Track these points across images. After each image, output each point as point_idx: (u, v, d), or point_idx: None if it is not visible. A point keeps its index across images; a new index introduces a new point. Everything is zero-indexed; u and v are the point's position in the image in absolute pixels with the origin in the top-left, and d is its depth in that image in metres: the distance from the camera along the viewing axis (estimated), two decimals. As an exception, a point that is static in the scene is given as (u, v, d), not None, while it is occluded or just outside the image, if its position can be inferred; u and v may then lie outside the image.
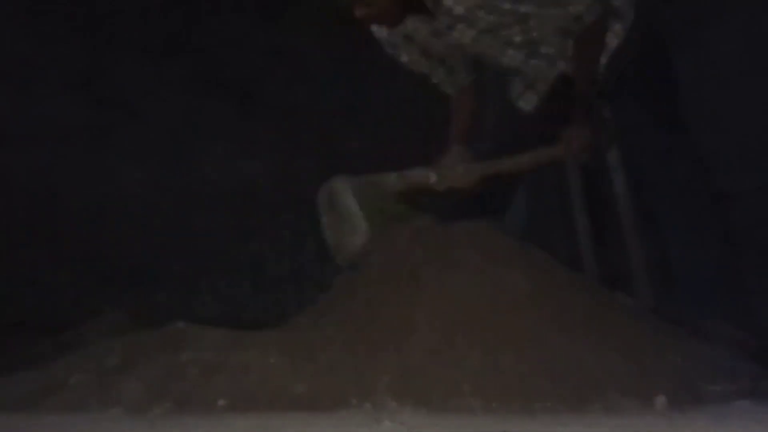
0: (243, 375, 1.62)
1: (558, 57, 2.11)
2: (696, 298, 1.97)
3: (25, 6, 3.16)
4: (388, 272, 1.84)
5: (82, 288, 3.10)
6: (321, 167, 3.46)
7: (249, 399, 1.57)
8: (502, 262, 1.83)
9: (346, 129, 3.56)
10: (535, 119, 2.24)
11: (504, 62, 2.13)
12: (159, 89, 3.36)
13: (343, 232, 2.05)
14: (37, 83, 3.20)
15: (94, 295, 3.11)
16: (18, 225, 3.06)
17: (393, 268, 1.85)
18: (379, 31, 2.20)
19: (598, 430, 1.32)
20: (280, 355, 1.64)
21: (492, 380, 1.55)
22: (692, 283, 1.99)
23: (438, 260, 1.82)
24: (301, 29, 3.52)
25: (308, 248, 3.40)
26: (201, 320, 3.31)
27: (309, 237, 3.38)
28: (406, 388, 1.53)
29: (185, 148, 3.41)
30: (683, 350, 1.76)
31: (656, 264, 2.31)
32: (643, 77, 2.08)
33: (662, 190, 2.04)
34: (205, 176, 3.42)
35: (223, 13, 3.47)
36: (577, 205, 2.76)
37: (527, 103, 2.23)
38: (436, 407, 1.49)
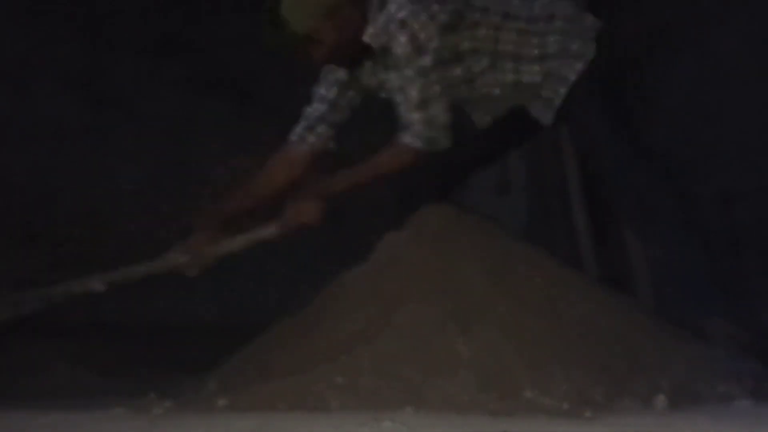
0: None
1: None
2: (697, 299, 1.97)
3: (24, 6, 3.16)
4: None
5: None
6: (320, 167, 3.48)
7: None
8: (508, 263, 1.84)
9: (346, 129, 3.55)
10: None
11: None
12: (158, 89, 3.36)
13: None
14: (36, 83, 3.20)
15: (94, 296, 3.10)
16: (18, 225, 3.06)
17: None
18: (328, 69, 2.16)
19: (599, 430, 1.32)
20: None
21: (492, 379, 1.55)
22: (693, 283, 1.98)
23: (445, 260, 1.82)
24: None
25: (308, 248, 3.40)
26: (201, 320, 3.33)
27: (309, 237, 3.37)
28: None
29: (184, 148, 3.40)
30: (683, 350, 1.76)
31: (656, 264, 2.31)
32: (635, 81, 2.08)
33: (662, 190, 2.03)
34: (204, 175, 3.42)
35: (223, 13, 3.47)
36: (577, 205, 2.76)
37: (480, 120, 2.20)
38: (437, 407, 1.49)
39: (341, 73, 2.13)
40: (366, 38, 1.96)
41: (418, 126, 1.93)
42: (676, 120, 2.44)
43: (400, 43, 1.90)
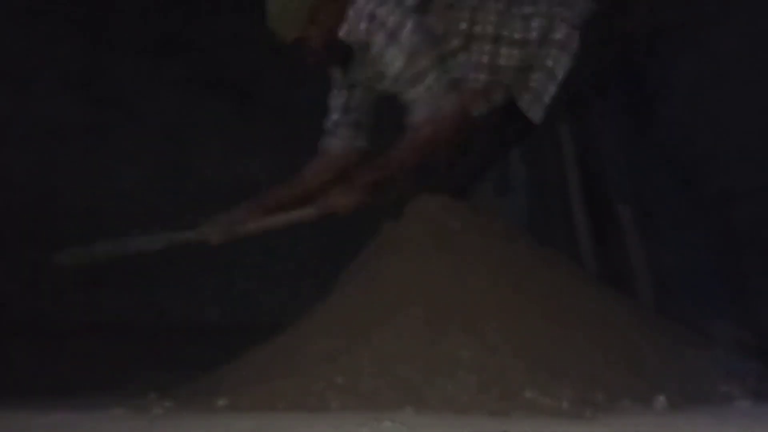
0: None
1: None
2: (698, 299, 1.97)
3: (24, 6, 3.16)
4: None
5: (82, 288, 3.10)
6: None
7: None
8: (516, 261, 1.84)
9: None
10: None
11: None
12: (158, 89, 3.36)
13: None
14: (36, 83, 3.20)
15: (94, 295, 3.11)
16: (18, 225, 3.06)
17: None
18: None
19: (599, 430, 1.32)
20: None
21: (492, 379, 1.55)
22: (694, 283, 1.98)
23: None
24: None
25: (307, 247, 3.40)
26: (200, 320, 3.33)
27: (308, 236, 3.38)
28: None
29: (184, 148, 3.40)
30: (684, 350, 1.76)
31: (657, 264, 2.30)
32: (636, 81, 2.07)
33: (662, 190, 2.03)
34: (205, 176, 3.42)
35: (223, 13, 3.47)
36: (577, 205, 2.76)
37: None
38: (437, 407, 1.49)
39: (338, 75, 2.15)
40: (342, 35, 1.99)
41: (420, 102, 1.95)
42: (677, 120, 2.43)
43: (373, 36, 1.93)
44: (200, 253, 3.31)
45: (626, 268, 2.57)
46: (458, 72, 2.03)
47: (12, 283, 2.95)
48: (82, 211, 3.20)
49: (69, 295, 3.07)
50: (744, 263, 2.22)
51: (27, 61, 3.18)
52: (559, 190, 2.85)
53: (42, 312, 3.01)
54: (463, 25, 2.00)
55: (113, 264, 2.24)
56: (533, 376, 1.55)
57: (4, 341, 2.55)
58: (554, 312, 1.72)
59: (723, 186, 2.31)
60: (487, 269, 1.79)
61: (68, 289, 3.08)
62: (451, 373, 1.56)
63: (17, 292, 2.96)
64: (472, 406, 1.49)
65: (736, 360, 1.76)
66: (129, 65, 3.34)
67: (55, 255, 2.20)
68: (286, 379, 1.62)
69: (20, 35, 3.16)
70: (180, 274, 3.27)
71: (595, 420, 1.42)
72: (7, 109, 3.11)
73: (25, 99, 3.16)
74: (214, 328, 3.16)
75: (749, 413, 1.54)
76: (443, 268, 1.80)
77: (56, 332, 2.82)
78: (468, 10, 2.00)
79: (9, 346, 2.54)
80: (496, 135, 2.22)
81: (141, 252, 2.19)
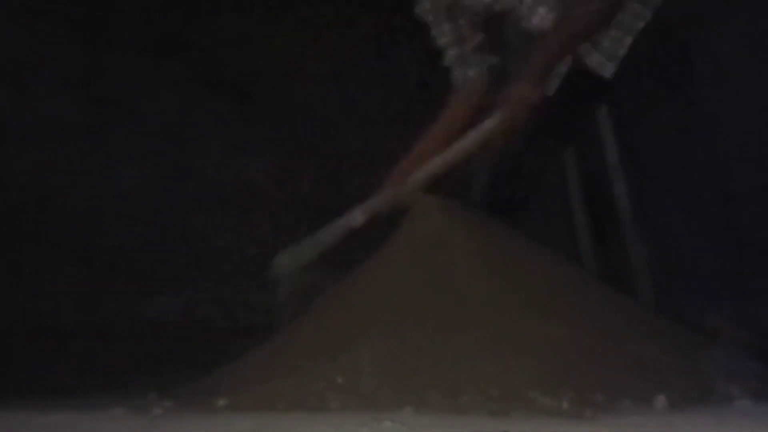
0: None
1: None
2: (699, 298, 1.96)
3: (24, 6, 3.16)
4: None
5: (82, 288, 3.10)
6: (321, 167, 3.48)
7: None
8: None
9: (346, 129, 3.56)
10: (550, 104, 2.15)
11: (533, 25, 1.98)
12: (158, 89, 3.36)
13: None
14: (35, 83, 3.20)
15: (94, 295, 3.11)
16: (18, 225, 3.06)
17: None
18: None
19: (599, 430, 1.32)
20: None
21: (492, 379, 1.55)
22: (695, 283, 1.98)
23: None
24: (300, 28, 3.52)
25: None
26: (200, 321, 3.33)
27: (308, 236, 3.38)
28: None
29: (184, 148, 3.40)
30: (684, 350, 1.76)
31: (658, 263, 2.30)
32: (648, 73, 2.05)
33: (665, 189, 2.03)
34: (204, 176, 3.42)
35: (223, 13, 3.47)
36: (577, 204, 2.76)
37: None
38: (437, 407, 1.49)
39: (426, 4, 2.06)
40: None
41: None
42: (677, 119, 2.43)
43: None
44: (199, 254, 3.33)
45: (626, 267, 2.57)
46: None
47: (12, 283, 2.95)
48: (82, 211, 3.20)
49: (69, 295, 3.07)
50: (746, 264, 2.22)
51: (27, 61, 3.18)
52: (559, 190, 2.85)
53: (42, 312, 3.00)
54: None
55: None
56: (533, 376, 1.55)
57: (4, 341, 2.55)
58: (554, 312, 1.72)
59: (725, 186, 2.30)
60: (487, 269, 1.79)
61: (68, 289, 3.08)
62: (451, 373, 1.56)
63: (17, 292, 2.96)
64: (472, 406, 1.48)
65: (736, 360, 1.76)
66: (129, 65, 3.34)
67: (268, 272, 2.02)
68: (286, 379, 1.62)
69: (20, 35, 3.16)
70: (178, 275, 3.27)
71: (595, 420, 1.41)
72: (6, 109, 3.11)
73: (25, 99, 3.16)
74: (214, 329, 3.16)
75: (749, 413, 1.54)
76: (443, 268, 1.80)
77: (56, 332, 2.82)
78: None
79: (9, 346, 2.54)
80: (556, 126, 2.15)
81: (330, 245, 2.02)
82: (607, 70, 2.00)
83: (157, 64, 3.37)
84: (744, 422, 1.43)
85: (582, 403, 1.49)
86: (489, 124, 1.93)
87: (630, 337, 1.73)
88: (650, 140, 2.04)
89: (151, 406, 1.65)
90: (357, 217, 2.01)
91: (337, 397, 1.54)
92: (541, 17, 1.94)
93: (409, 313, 1.70)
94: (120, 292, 3.15)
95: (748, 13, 2.23)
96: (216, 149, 3.46)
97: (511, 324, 1.66)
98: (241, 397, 1.61)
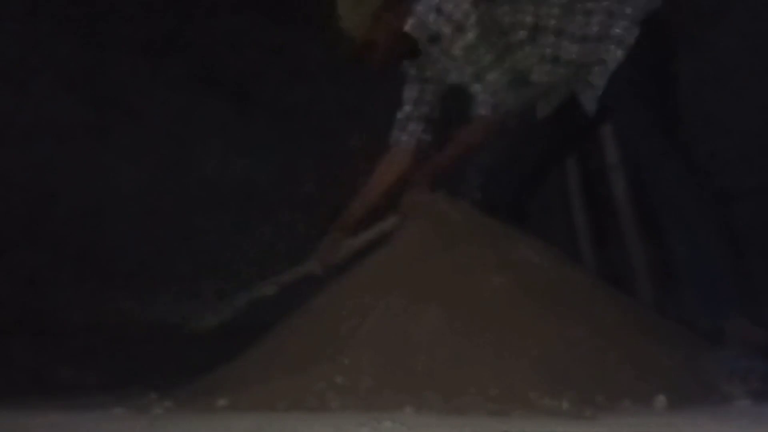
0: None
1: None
2: (704, 299, 1.95)
3: (24, 6, 3.16)
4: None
5: (82, 288, 3.10)
6: (320, 167, 3.48)
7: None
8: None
9: (346, 129, 3.56)
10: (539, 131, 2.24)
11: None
12: (157, 88, 3.36)
13: None
14: (34, 83, 3.20)
15: (94, 296, 3.11)
16: (18, 225, 3.06)
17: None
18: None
19: (599, 430, 1.32)
20: None
21: (492, 379, 1.55)
22: (699, 283, 1.97)
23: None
24: (300, 28, 3.52)
25: (307, 247, 3.40)
26: (199, 321, 3.32)
27: (307, 236, 3.38)
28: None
29: (184, 148, 3.40)
30: (684, 350, 1.76)
31: (660, 263, 2.30)
32: (644, 77, 2.06)
33: (666, 189, 2.02)
34: (204, 175, 3.42)
35: (222, 12, 3.47)
36: (577, 205, 2.76)
37: (541, 110, 2.22)
38: (437, 407, 1.49)
39: (412, 70, 2.20)
40: (407, 29, 2.04)
41: (482, 95, 2.01)
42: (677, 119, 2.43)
43: (441, 28, 1.98)
44: (198, 253, 3.33)
45: (626, 267, 2.57)
46: (524, 64, 2.07)
47: (12, 283, 2.95)
48: (82, 211, 3.20)
49: (69, 295, 3.07)
50: (746, 264, 2.21)
51: (27, 61, 3.18)
52: (559, 190, 2.85)
53: (42, 312, 3.00)
54: (529, 18, 2.04)
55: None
56: (533, 375, 1.55)
57: (4, 341, 2.55)
58: (554, 312, 1.72)
59: (725, 186, 2.31)
60: (487, 269, 1.79)
61: (68, 289, 3.08)
62: (451, 373, 1.57)
63: (17, 292, 2.96)
64: (472, 406, 1.49)
65: (738, 359, 1.76)
66: (129, 65, 3.34)
67: (190, 326, 2.31)
68: (286, 379, 1.62)
69: (20, 35, 3.16)
70: (178, 274, 3.27)
71: (595, 420, 1.42)
72: (6, 109, 3.11)
73: (25, 99, 3.16)
74: (214, 329, 3.16)
75: (749, 413, 1.54)
76: (443, 268, 1.80)
77: (56, 332, 2.82)
78: (533, 4, 2.03)
79: (9, 346, 2.54)
80: (552, 139, 2.25)
81: (260, 299, 2.27)
82: (591, 107, 2.09)
83: (156, 64, 3.36)
84: (744, 422, 1.43)
85: (582, 403, 1.49)
86: (385, 225, 2.12)
87: (630, 337, 1.73)
88: (650, 139, 2.04)
89: (151, 406, 1.65)
90: (268, 288, 2.27)
91: (337, 397, 1.54)
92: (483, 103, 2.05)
93: (410, 313, 1.70)
94: (120, 292, 3.15)
95: (750, 13, 2.24)
96: (216, 149, 3.46)
97: (511, 324, 1.66)
98: (241, 397, 1.61)
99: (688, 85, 2.26)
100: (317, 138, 3.52)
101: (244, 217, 3.43)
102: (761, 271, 2.20)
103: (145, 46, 3.36)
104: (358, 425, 1.32)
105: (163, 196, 3.31)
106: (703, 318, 1.91)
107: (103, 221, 3.23)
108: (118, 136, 3.30)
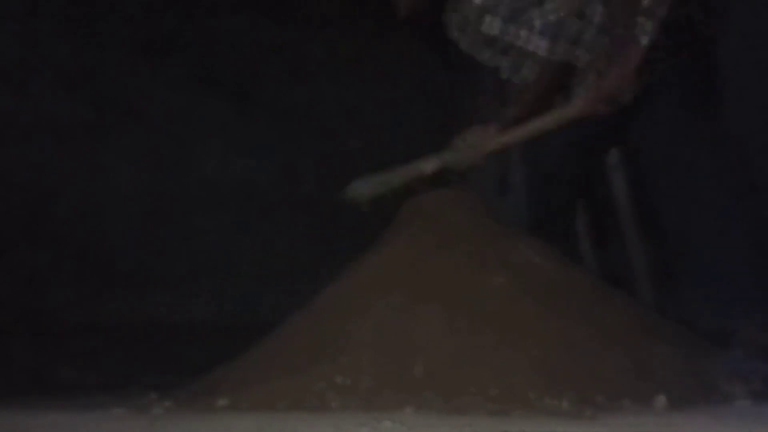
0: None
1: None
2: (717, 296, 1.94)
3: (24, 6, 3.16)
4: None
5: (82, 288, 3.10)
6: (320, 167, 3.48)
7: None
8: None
9: (346, 129, 3.56)
10: None
11: None
12: (157, 88, 3.37)
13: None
14: (34, 83, 3.20)
15: (94, 296, 3.11)
16: (18, 225, 3.06)
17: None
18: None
19: (599, 430, 1.32)
20: None
21: (493, 379, 1.55)
22: (715, 279, 1.95)
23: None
24: (300, 28, 3.52)
25: (306, 247, 3.40)
26: (199, 320, 3.33)
27: (307, 236, 3.38)
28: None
29: (183, 148, 3.41)
30: (684, 350, 1.76)
31: (660, 263, 2.29)
32: (676, 67, 2.05)
33: (666, 189, 2.01)
34: (204, 175, 3.42)
35: (222, 12, 3.47)
36: (579, 205, 2.75)
37: None
38: (437, 407, 1.49)
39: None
40: None
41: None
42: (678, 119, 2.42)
43: None
44: (198, 253, 3.33)
45: (626, 268, 2.57)
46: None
47: (12, 283, 2.95)
48: (82, 211, 3.20)
49: (69, 295, 3.07)
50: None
51: (27, 61, 3.18)
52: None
53: (42, 312, 3.01)
54: None
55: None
56: (533, 375, 1.55)
57: (4, 341, 2.55)
58: (554, 312, 1.72)
59: (754, 179, 2.27)
60: (487, 269, 1.79)
61: (68, 289, 3.08)
62: (451, 372, 1.57)
63: (17, 292, 2.96)
64: (472, 406, 1.49)
65: (740, 360, 1.75)
66: (129, 65, 3.34)
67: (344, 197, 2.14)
68: (286, 379, 1.62)
69: (20, 35, 3.16)
70: (178, 274, 3.27)
71: (595, 420, 1.42)
72: (6, 109, 3.11)
73: (25, 99, 3.16)
74: (214, 329, 3.16)
75: (749, 413, 1.54)
76: (443, 268, 1.80)
77: (56, 332, 2.82)
78: None
79: (9, 346, 2.54)
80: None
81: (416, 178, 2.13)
82: None
83: (156, 64, 3.37)
84: (744, 422, 1.43)
85: (582, 403, 1.49)
86: (565, 112, 2.02)
87: (630, 337, 1.73)
88: (656, 138, 2.03)
89: (151, 406, 1.65)
90: (429, 165, 2.11)
91: (337, 397, 1.54)
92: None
93: (410, 313, 1.70)
94: (120, 292, 3.15)
95: (748, 13, 2.23)
96: (216, 149, 3.47)
97: (511, 324, 1.66)
98: (241, 397, 1.61)
99: (723, 74, 2.24)
100: (317, 138, 3.52)
101: (244, 217, 3.43)
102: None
103: (145, 46, 3.36)
104: (358, 425, 1.32)
105: (163, 196, 3.31)
106: (710, 316, 1.89)
107: (103, 221, 3.23)
108: (118, 136, 3.30)
